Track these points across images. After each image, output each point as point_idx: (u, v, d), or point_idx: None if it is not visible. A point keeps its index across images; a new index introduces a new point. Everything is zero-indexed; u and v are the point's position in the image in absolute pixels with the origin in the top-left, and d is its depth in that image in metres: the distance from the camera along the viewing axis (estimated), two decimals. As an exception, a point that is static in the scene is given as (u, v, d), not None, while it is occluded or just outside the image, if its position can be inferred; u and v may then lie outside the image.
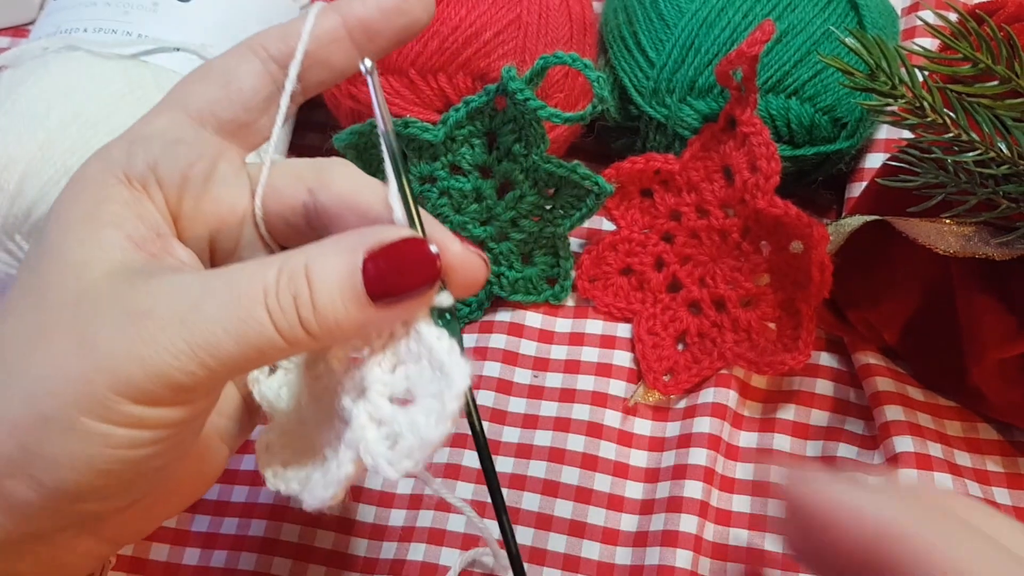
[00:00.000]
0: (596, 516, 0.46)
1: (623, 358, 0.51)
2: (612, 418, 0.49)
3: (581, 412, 0.49)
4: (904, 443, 0.44)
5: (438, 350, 0.29)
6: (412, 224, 0.30)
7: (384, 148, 0.30)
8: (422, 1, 0.33)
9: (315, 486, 0.30)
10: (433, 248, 0.29)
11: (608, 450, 0.48)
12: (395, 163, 0.30)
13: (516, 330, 0.52)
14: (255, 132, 0.33)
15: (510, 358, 0.51)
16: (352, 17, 0.33)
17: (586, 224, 0.51)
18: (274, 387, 0.35)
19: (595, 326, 0.53)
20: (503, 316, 0.53)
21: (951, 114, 0.39)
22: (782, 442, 0.48)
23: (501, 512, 0.33)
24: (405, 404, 0.29)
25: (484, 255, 0.33)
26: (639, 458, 0.48)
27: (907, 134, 0.42)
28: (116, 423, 0.27)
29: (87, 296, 0.28)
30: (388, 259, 0.28)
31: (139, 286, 0.28)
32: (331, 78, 0.34)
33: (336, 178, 0.33)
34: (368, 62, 0.30)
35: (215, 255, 0.34)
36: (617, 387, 0.50)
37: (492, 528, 0.40)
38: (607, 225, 0.55)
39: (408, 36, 0.34)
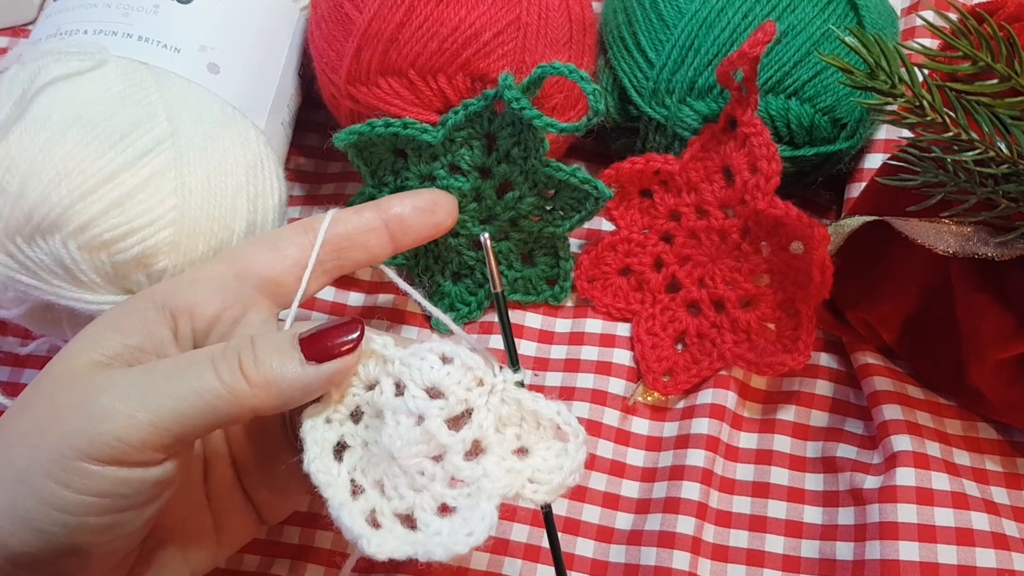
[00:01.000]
0: (591, 514, 0.46)
1: (622, 357, 0.51)
2: (611, 417, 0.49)
3: (580, 411, 0.49)
4: (902, 442, 0.44)
5: (544, 410, 0.37)
6: (513, 363, 0.38)
7: (496, 306, 0.39)
8: (446, 208, 0.45)
9: (450, 540, 0.33)
10: (358, 326, 0.35)
11: (606, 449, 0.48)
12: (501, 314, 0.39)
13: (516, 330, 0.53)
14: (288, 293, 0.40)
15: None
16: (391, 213, 0.42)
17: (586, 224, 0.51)
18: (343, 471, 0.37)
19: (594, 326, 0.53)
20: (503, 316, 0.53)
21: (951, 113, 0.39)
22: (782, 443, 0.48)
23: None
24: (521, 455, 0.36)
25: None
26: (636, 457, 0.48)
27: (907, 133, 0.42)
28: (77, 489, 0.31)
29: (66, 376, 0.33)
30: (321, 333, 0.35)
31: (110, 371, 0.34)
32: (367, 259, 0.42)
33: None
34: (486, 233, 0.38)
35: None
36: (616, 386, 0.50)
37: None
38: (607, 225, 0.55)
39: (435, 232, 0.44)
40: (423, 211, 0.43)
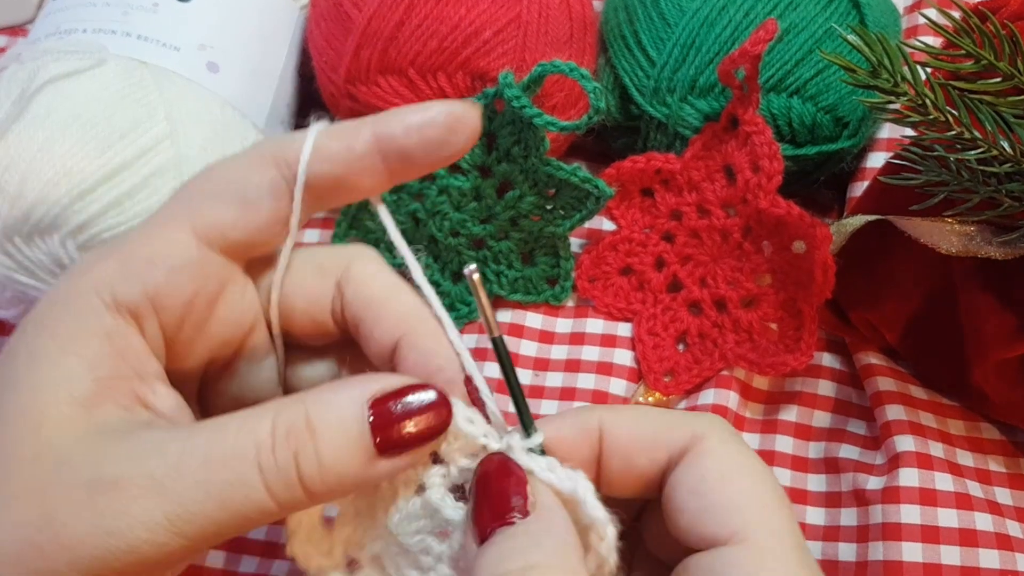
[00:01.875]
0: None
1: (624, 357, 0.51)
2: (613, 419, 0.49)
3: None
4: (905, 443, 0.43)
5: (560, 485, 0.27)
6: (522, 419, 0.29)
7: (496, 355, 0.29)
8: (468, 132, 0.30)
9: None
10: (440, 396, 0.27)
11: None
12: (504, 366, 0.29)
13: (516, 330, 0.52)
14: (263, 251, 0.31)
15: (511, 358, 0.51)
16: (389, 141, 0.29)
17: (586, 224, 0.51)
18: None
19: (595, 326, 0.53)
20: (503, 316, 0.53)
21: (953, 112, 0.39)
22: (784, 443, 0.48)
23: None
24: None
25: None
26: (639, 459, 0.48)
27: (909, 132, 0.41)
28: None
29: (47, 456, 0.25)
30: (396, 408, 0.26)
31: (107, 449, 0.25)
32: (352, 200, 0.31)
33: (366, 276, 0.31)
34: (472, 265, 0.28)
35: (213, 365, 0.32)
36: (618, 386, 0.50)
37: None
38: (607, 225, 0.55)
39: (447, 162, 0.31)
40: (431, 140, 0.30)
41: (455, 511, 0.28)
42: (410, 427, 0.26)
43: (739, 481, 0.27)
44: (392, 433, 0.26)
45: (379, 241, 0.52)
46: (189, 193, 0.30)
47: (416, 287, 0.30)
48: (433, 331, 0.30)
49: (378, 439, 0.26)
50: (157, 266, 0.28)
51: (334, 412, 0.26)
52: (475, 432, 0.28)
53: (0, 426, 0.25)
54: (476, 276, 0.27)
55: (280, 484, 0.25)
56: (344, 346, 0.33)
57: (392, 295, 0.31)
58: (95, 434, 0.25)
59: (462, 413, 0.28)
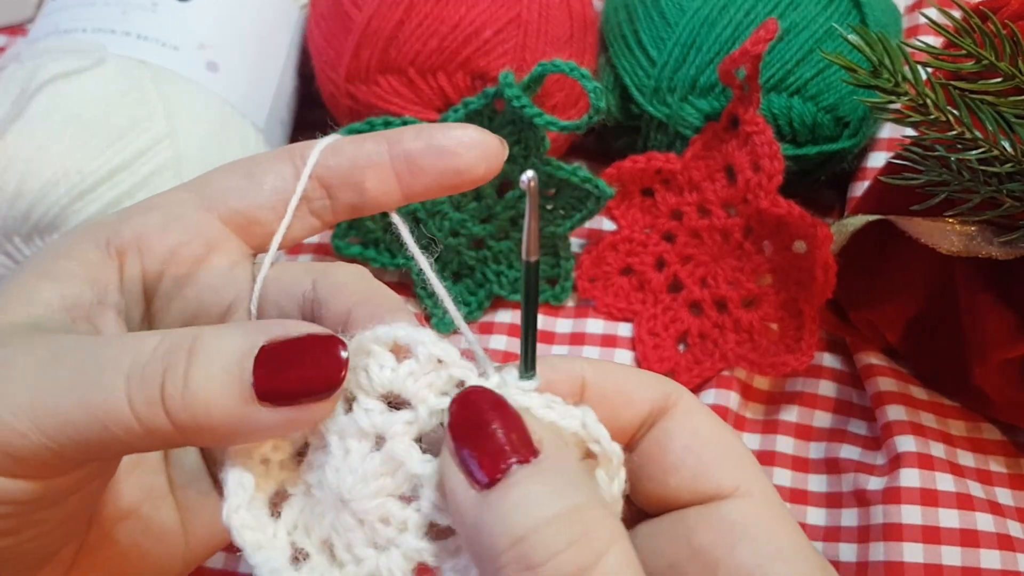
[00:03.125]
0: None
1: (624, 357, 0.51)
2: (613, 419, 0.49)
3: (582, 412, 0.48)
4: (906, 443, 0.43)
5: (565, 423, 0.25)
6: (527, 363, 0.25)
7: (524, 280, 0.26)
8: (478, 151, 0.30)
9: None
10: (343, 353, 0.24)
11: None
12: (528, 292, 0.25)
13: (516, 331, 0.52)
14: (263, 233, 0.30)
15: (511, 359, 0.51)
16: (400, 148, 0.30)
17: (586, 224, 0.51)
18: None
19: (596, 326, 0.52)
20: (503, 317, 0.53)
21: (954, 111, 0.39)
22: (784, 444, 0.48)
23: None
24: None
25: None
26: (640, 459, 0.48)
27: (910, 132, 0.41)
28: None
29: None
30: (288, 353, 0.24)
31: (23, 339, 0.25)
32: (362, 203, 0.31)
33: (340, 271, 0.30)
34: (530, 173, 0.23)
35: None
36: (618, 387, 0.50)
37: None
38: (608, 225, 0.55)
39: (458, 181, 0.30)
40: (442, 151, 0.30)
41: (424, 465, 0.24)
42: (299, 377, 0.24)
43: (730, 439, 0.28)
44: (277, 381, 0.23)
45: (379, 241, 0.52)
46: (210, 172, 0.31)
47: (423, 290, 0.30)
48: (388, 297, 0.29)
49: (259, 383, 0.23)
50: (151, 213, 0.29)
51: (220, 341, 0.24)
52: (451, 361, 0.24)
53: None
54: (534, 184, 0.23)
55: (141, 397, 0.23)
56: None
57: (358, 279, 0.30)
58: (30, 330, 0.26)
59: (431, 342, 0.24)
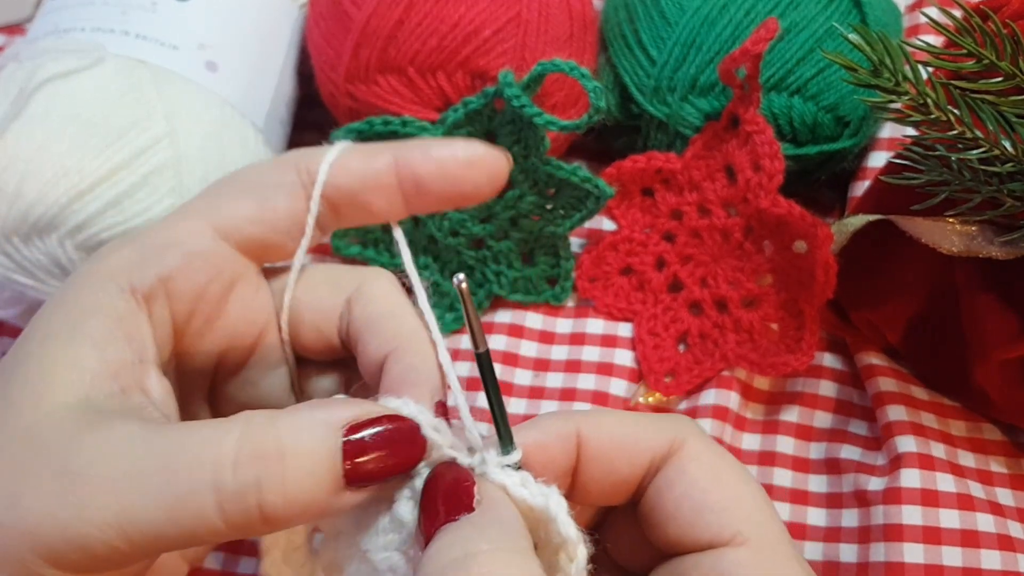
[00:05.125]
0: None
1: (624, 357, 0.51)
2: (613, 419, 0.49)
3: (582, 412, 0.48)
4: (907, 443, 0.43)
5: (534, 502, 0.26)
6: (500, 434, 0.27)
7: (479, 369, 0.27)
8: (485, 171, 0.31)
9: None
10: (417, 427, 0.26)
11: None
12: (485, 379, 0.27)
13: (516, 331, 0.52)
14: (277, 254, 0.31)
15: (511, 359, 0.51)
16: (407, 166, 0.30)
17: (586, 223, 0.51)
18: None
19: (596, 326, 0.52)
20: (503, 317, 0.53)
21: (955, 111, 0.39)
22: (785, 444, 0.48)
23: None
24: None
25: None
26: (640, 459, 0.48)
27: (911, 131, 0.41)
28: None
29: (32, 436, 0.25)
30: (369, 438, 0.25)
31: (83, 438, 0.25)
32: (367, 220, 0.32)
33: (375, 295, 0.31)
34: (460, 275, 0.26)
35: (224, 365, 0.32)
36: (618, 387, 0.50)
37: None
38: (608, 224, 0.55)
39: (461, 201, 0.31)
40: (449, 174, 0.31)
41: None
42: (380, 459, 0.25)
43: (730, 483, 0.27)
44: (363, 464, 0.25)
45: (378, 241, 0.52)
46: (211, 191, 0.31)
47: (417, 305, 0.31)
48: (421, 350, 0.29)
49: (348, 470, 0.24)
50: (172, 252, 0.29)
51: (306, 437, 0.24)
52: (441, 443, 0.27)
53: (6, 401, 0.26)
54: (464, 286, 0.25)
55: (235, 507, 0.24)
56: (349, 364, 0.33)
57: (394, 315, 0.31)
58: (83, 415, 0.25)
59: (428, 423, 0.27)
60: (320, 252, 0.54)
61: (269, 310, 0.32)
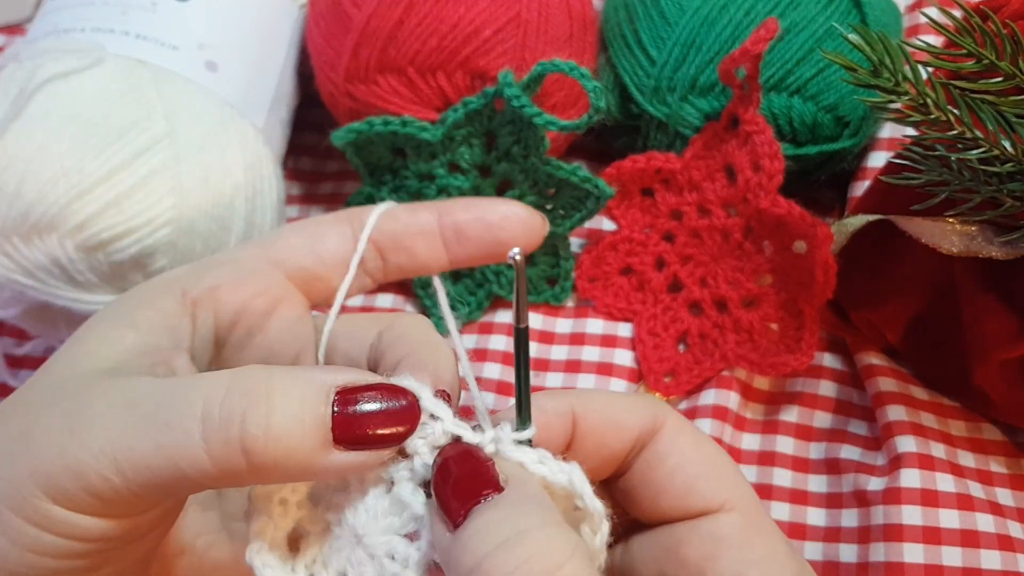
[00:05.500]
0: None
1: (624, 357, 0.51)
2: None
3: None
4: (907, 443, 0.43)
5: (554, 478, 0.26)
6: (523, 416, 0.27)
7: (516, 344, 0.27)
8: (525, 228, 0.34)
9: None
10: (415, 403, 0.26)
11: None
12: (519, 354, 0.27)
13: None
14: (323, 289, 0.34)
15: (510, 359, 0.51)
16: (450, 219, 0.34)
17: (586, 223, 0.51)
18: None
19: (595, 326, 0.52)
20: (503, 316, 0.53)
21: (955, 111, 0.39)
22: (785, 444, 0.48)
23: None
24: None
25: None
26: (639, 459, 0.48)
27: (910, 132, 0.41)
28: (40, 526, 0.25)
29: (56, 387, 0.27)
30: (362, 402, 0.25)
31: (100, 384, 0.26)
32: (411, 266, 0.34)
33: (407, 323, 0.33)
34: (516, 249, 0.26)
35: None
36: (618, 387, 0.50)
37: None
38: (607, 225, 0.55)
39: (499, 253, 0.34)
40: (489, 224, 0.34)
41: (424, 507, 0.26)
42: (373, 424, 0.25)
43: (713, 454, 0.29)
44: (353, 425, 0.25)
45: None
46: (278, 231, 0.35)
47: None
48: (433, 353, 0.30)
49: (337, 426, 0.25)
50: (224, 267, 0.32)
51: (298, 385, 0.25)
52: (443, 417, 0.26)
53: (45, 367, 0.28)
54: (520, 258, 0.26)
55: (218, 439, 0.24)
56: None
57: (416, 329, 0.32)
58: (111, 374, 0.27)
59: (428, 403, 0.27)
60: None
61: (308, 339, 0.33)
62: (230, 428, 0.24)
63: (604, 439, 0.29)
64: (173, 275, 0.32)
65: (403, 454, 0.27)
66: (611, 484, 0.30)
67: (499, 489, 0.25)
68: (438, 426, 0.27)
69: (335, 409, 0.25)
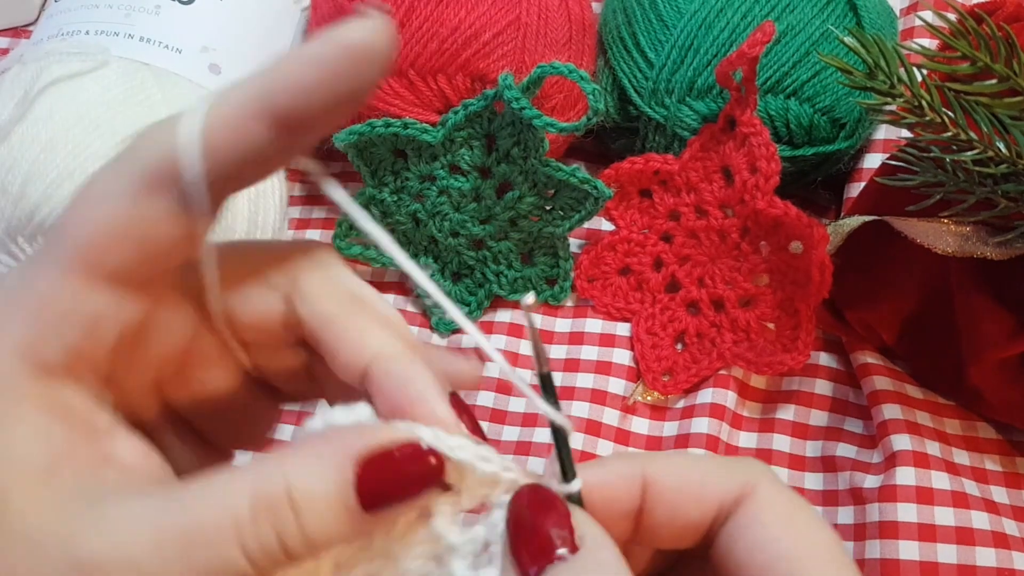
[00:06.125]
0: (594, 515, 0.46)
1: (622, 356, 0.51)
2: (611, 416, 0.49)
3: (580, 410, 0.49)
4: (902, 441, 0.44)
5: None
6: (563, 463, 0.26)
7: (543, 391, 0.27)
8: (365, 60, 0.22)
9: None
10: (439, 456, 0.25)
11: (606, 448, 0.48)
12: (551, 404, 0.26)
13: (516, 330, 0.53)
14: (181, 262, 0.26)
15: (510, 358, 0.51)
16: (282, 107, 0.22)
17: (585, 224, 0.51)
18: None
19: (594, 325, 0.53)
20: (503, 316, 0.53)
21: (949, 113, 0.39)
22: (781, 442, 0.48)
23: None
24: None
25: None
26: (637, 457, 0.48)
27: (906, 133, 0.42)
28: None
29: (19, 538, 0.22)
30: (382, 467, 0.24)
31: (80, 526, 0.22)
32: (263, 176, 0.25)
33: (318, 291, 0.27)
34: (530, 295, 0.24)
35: (163, 381, 0.28)
36: (616, 386, 0.50)
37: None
38: (606, 225, 0.55)
39: (351, 99, 0.23)
40: (332, 82, 0.22)
41: (460, 538, 0.26)
42: (395, 485, 0.24)
43: (804, 530, 0.26)
44: (378, 494, 0.24)
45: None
46: (64, 233, 0.24)
47: (423, 290, 0.26)
48: (403, 352, 0.26)
49: (363, 500, 0.24)
50: (71, 322, 0.24)
51: (316, 483, 0.23)
52: (495, 469, 0.26)
53: None
54: (531, 300, 0.24)
55: (262, 556, 0.23)
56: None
57: (352, 311, 0.27)
58: (64, 509, 0.23)
59: (474, 452, 0.25)
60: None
61: (192, 318, 0.27)
62: (271, 547, 0.23)
63: (678, 507, 0.26)
64: (9, 346, 0.23)
65: (444, 487, 0.26)
66: (698, 556, 0.28)
67: (573, 548, 0.24)
68: (485, 474, 0.26)
69: (358, 490, 0.24)
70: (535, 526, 0.24)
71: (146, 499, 0.23)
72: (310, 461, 0.24)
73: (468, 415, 0.26)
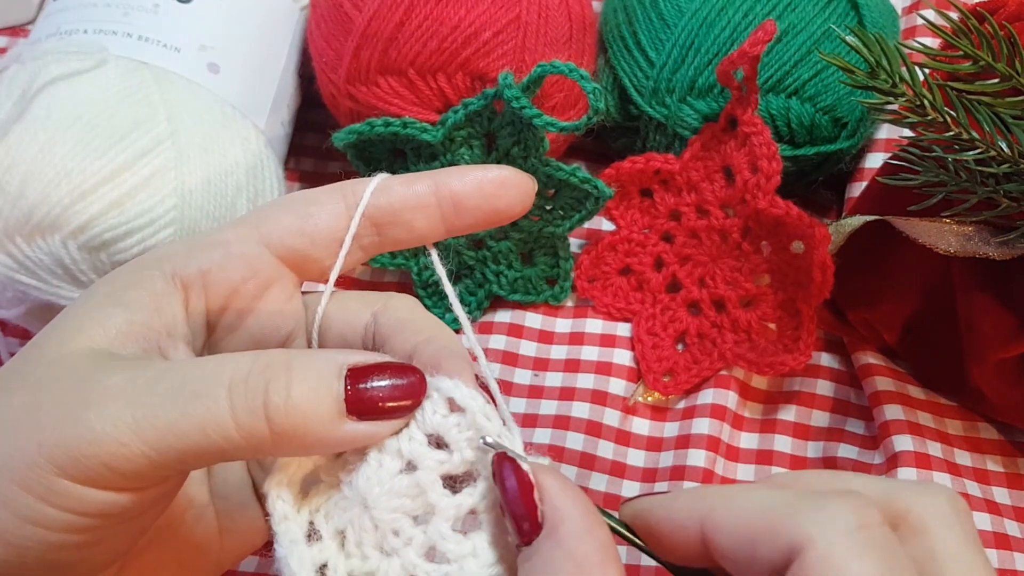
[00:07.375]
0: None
1: (623, 357, 0.51)
2: (611, 417, 0.49)
3: (580, 411, 0.49)
4: (904, 442, 0.44)
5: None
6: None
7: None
8: (517, 192, 0.33)
9: None
10: (421, 377, 0.29)
11: (606, 449, 0.48)
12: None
13: (516, 331, 0.52)
14: (316, 269, 0.33)
15: (510, 358, 0.51)
16: (446, 188, 0.33)
17: (586, 224, 0.51)
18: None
19: (595, 326, 0.53)
20: (503, 316, 0.53)
21: (952, 112, 0.39)
22: (783, 443, 0.48)
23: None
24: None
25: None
26: (637, 458, 0.48)
27: (908, 133, 0.42)
28: (45, 499, 0.25)
29: (60, 364, 0.27)
30: (372, 378, 0.28)
31: (107, 363, 0.27)
32: (409, 239, 0.34)
33: (401, 305, 0.33)
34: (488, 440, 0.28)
35: None
36: (617, 386, 0.50)
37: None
38: (607, 225, 0.55)
39: (497, 219, 0.33)
40: (485, 192, 0.33)
41: (441, 498, 0.28)
42: (382, 398, 0.28)
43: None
44: (364, 398, 0.27)
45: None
46: (261, 207, 0.33)
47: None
48: (450, 335, 0.31)
49: (350, 398, 0.27)
50: (215, 249, 0.31)
51: (315, 363, 0.27)
52: (491, 430, 0.28)
53: (34, 345, 0.28)
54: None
55: (244, 406, 0.26)
56: None
57: (418, 318, 0.33)
58: (107, 355, 0.28)
59: (479, 410, 0.28)
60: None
61: (299, 318, 0.33)
62: (255, 398, 0.26)
63: (736, 562, 0.27)
64: (160, 254, 0.31)
65: (439, 445, 0.29)
66: None
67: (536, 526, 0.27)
68: (467, 419, 0.28)
69: (347, 384, 0.27)
70: (519, 503, 0.27)
71: (169, 363, 0.28)
72: (311, 352, 0.29)
73: (487, 390, 0.30)
